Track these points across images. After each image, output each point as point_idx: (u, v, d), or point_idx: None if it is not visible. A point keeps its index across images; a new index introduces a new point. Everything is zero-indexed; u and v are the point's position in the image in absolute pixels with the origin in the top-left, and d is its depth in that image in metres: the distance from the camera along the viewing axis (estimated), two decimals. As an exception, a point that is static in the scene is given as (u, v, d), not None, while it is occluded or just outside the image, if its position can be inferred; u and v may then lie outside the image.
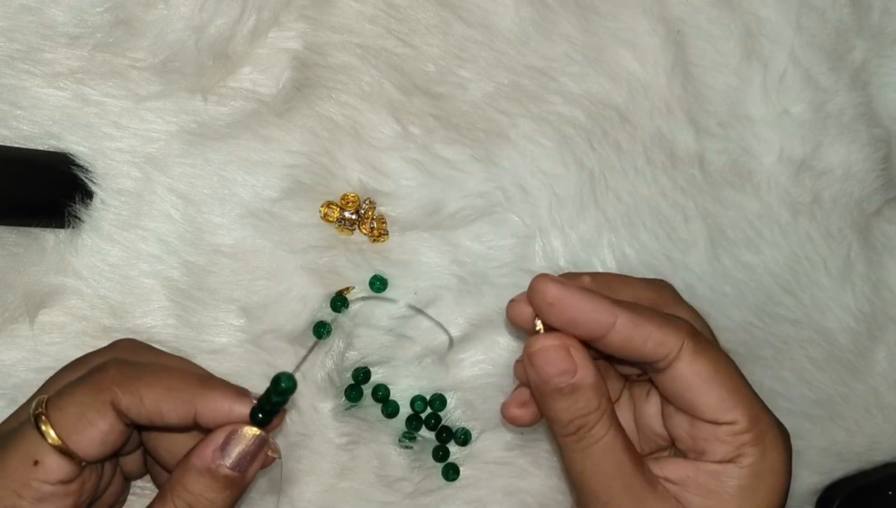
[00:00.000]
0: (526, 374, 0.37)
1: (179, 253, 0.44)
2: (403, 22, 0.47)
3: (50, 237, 0.43)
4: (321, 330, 0.46)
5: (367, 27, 0.47)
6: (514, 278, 0.48)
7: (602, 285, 0.39)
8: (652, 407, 0.40)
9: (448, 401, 0.48)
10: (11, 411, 0.42)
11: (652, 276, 0.49)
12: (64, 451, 0.34)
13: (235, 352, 0.45)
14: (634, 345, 0.36)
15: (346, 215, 0.46)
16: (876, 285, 0.53)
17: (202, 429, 0.36)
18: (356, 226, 0.47)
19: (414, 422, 0.47)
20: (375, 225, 0.47)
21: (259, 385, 0.44)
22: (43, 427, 0.34)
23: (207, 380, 0.37)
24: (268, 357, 0.45)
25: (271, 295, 0.45)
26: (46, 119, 0.43)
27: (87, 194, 0.43)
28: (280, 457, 0.36)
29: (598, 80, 0.49)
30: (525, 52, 0.48)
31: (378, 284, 0.46)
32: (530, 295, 0.36)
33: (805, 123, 0.52)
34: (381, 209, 0.47)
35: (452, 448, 0.48)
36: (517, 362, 0.41)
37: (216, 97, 0.45)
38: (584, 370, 0.36)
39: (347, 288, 0.46)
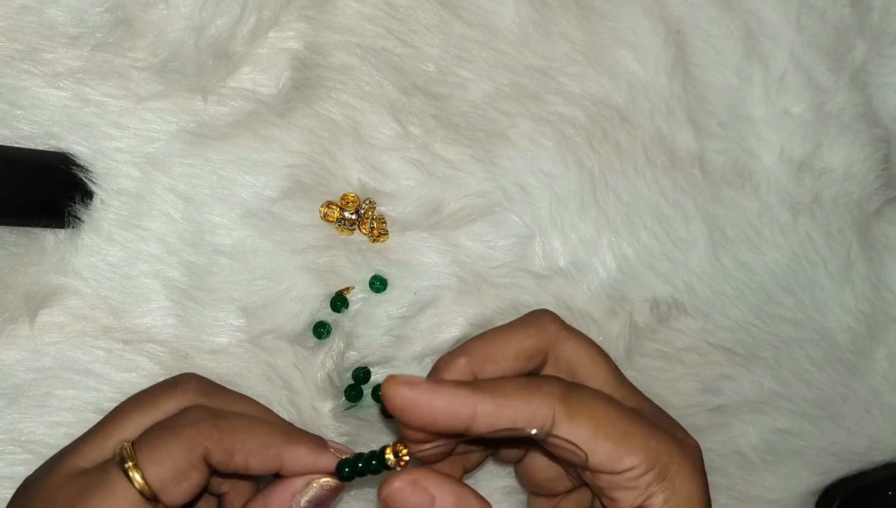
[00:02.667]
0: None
1: (179, 253, 0.44)
2: (403, 22, 0.47)
3: (50, 237, 0.43)
4: (321, 330, 0.46)
5: (368, 27, 0.46)
6: (514, 278, 0.48)
7: (478, 359, 0.37)
8: (539, 461, 0.40)
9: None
10: (11, 411, 0.43)
11: (652, 276, 0.49)
12: (153, 501, 0.35)
13: (235, 352, 0.45)
14: (504, 429, 0.34)
15: (346, 215, 0.46)
16: (876, 285, 0.53)
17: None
18: (356, 226, 0.47)
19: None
20: (375, 225, 0.47)
21: (259, 385, 0.45)
22: (135, 477, 0.34)
23: (292, 433, 0.38)
24: (268, 357, 0.45)
25: (271, 295, 0.45)
26: (46, 119, 0.43)
27: (87, 194, 0.43)
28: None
29: (599, 80, 0.49)
30: (525, 52, 0.48)
31: (378, 284, 0.46)
32: (386, 402, 0.35)
33: (805, 123, 0.52)
34: (381, 209, 0.47)
35: None
36: (382, 384, 0.37)
37: (216, 97, 0.45)
38: (442, 495, 0.35)
39: (347, 288, 0.46)
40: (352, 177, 0.46)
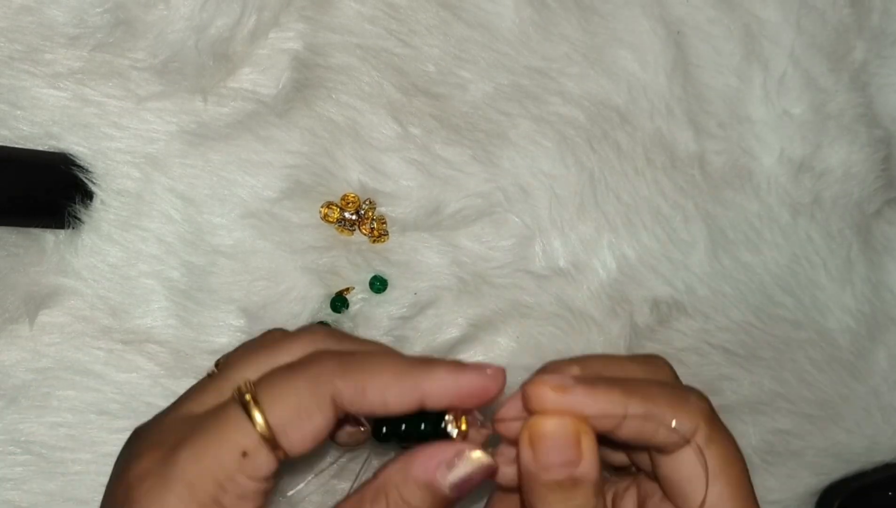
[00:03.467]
0: (518, 452, 0.33)
1: (179, 254, 0.44)
2: (403, 22, 0.47)
3: (50, 238, 0.43)
4: (321, 331, 0.46)
5: (368, 28, 0.46)
6: (514, 279, 0.48)
7: (590, 372, 0.34)
8: (628, 505, 0.37)
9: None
10: (11, 411, 0.43)
11: (652, 276, 0.49)
12: (272, 444, 0.31)
13: (235, 353, 0.45)
14: (646, 435, 0.32)
15: (346, 215, 0.46)
16: (876, 286, 0.53)
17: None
18: (356, 226, 0.47)
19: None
20: (375, 226, 0.47)
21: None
22: (256, 416, 0.31)
23: (426, 361, 0.33)
24: (268, 358, 0.45)
25: (271, 296, 0.45)
26: (46, 119, 0.43)
27: (87, 195, 0.43)
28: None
29: (598, 80, 0.49)
30: (525, 52, 0.48)
31: (378, 284, 0.46)
32: (526, 403, 0.32)
33: (805, 124, 0.52)
34: (381, 210, 0.47)
35: None
36: (526, 384, 0.33)
37: (216, 98, 0.45)
38: (589, 464, 0.31)
39: (347, 289, 0.46)
40: (352, 177, 0.46)
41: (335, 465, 0.46)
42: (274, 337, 0.36)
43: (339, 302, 0.46)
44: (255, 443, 0.31)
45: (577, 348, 0.48)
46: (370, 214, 0.46)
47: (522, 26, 0.48)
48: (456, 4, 0.47)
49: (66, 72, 0.43)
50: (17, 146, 0.43)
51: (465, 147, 0.47)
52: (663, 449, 0.34)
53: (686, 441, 0.33)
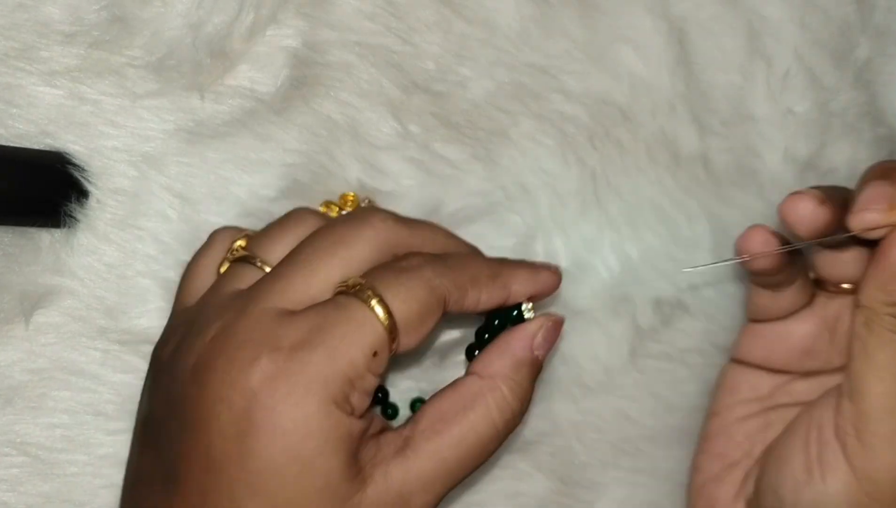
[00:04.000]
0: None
1: (176, 253, 0.44)
2: (403, 20, 0.47)
3: (45, 237, 0.43)
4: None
5: (367, 25, 0.46)
6: (515, 279, 0.48)
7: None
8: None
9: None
10: (6, 412, 0.42)
11: (655, 276, 0.49)
12: (391, 338, 0.34)
13: (233, 353, 0.45)
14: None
15: (345, 214, 0.46)
16: (880, 285, 0.52)
17: None
18: (355, 226, 0.46)
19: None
20: (375, 225, 0.46)
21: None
22: (377, 310, 0.34)
23: (508, 262, 0.39)
24: (266, 358, 0.45)
25: (269, 296, 0.45)
26: (42, 118, 0.43)
27: (83, 193, 0.43)
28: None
29: (600, 78, 0.49)
30: (526, 50, 0.48)
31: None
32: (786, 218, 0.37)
33: (809, 122, 0.52)
34: (381, 209, 0.47)
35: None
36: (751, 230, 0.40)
37: (213, 95, 0.44)
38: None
39: (346, 289, 0.46)
40: (350, 176, 0.46)
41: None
42: (340, 231, 0.38)
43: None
44: (384, 342, 0.34)
45: (579, 348, 0.48)
46: (369, 213, 0.46)
47: (523, 23, 0.48)
48: (456, 1, 0.47)
49: (62, 70, 0.43)
50: (11, 145, 0.42)
51: (465, 145, 0.47)
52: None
53: None
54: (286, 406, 0.32)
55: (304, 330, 0.33)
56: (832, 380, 0.41)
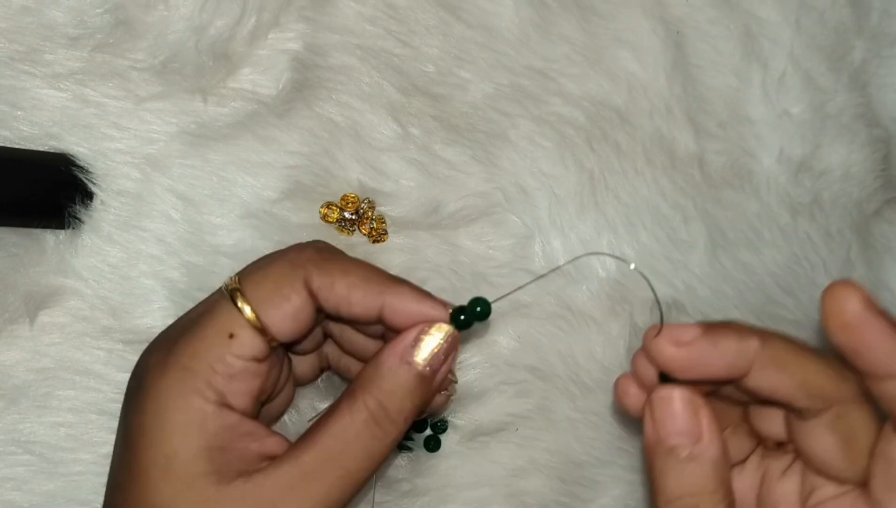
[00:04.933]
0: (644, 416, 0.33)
1: (179, 254, 0.44)
2: (403, 23, 0.47)
3: (50, 238, 0.43)
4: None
5: (367, 28, 0.46)
6: (514, 279, 0.48)
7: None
8: (789, 487, 0.35)
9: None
10: (11, 411, 0.43)
11: (652, 276, 0.49)
12: (258, 328, 0.34)
13: (235, 353, 0.45)
14: (779, 389, 0.32)
15: (346, 215, 0.46)
16: (876, 286, 0.53)
17: (385, 330, 0.37)
18: (356, 227, 0.47)
19: (416, 424, 0.47)
20: (375, 225, 0.47)
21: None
22: (239, 302, 0.34)
23: (397, 279, 0.37)
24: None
25: (271, 296, 0.45)
26: (46, 120, 0.43)
27: (87, 195, 0.43)
28: (457, 382, 0.37)
29: (598, 80, 0.49)
30: (525, 53, 0.48)
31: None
32: (652, 355, 0.32)
33: (804, 124, 0.52)
34: (381, 210, 0.47)
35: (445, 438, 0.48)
36: (637, 353, 0.34)
37: (216, 98, 0.45)
38: (710, 441, 0.31)
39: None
40: (351, 177, 0.46)
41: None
42: (280, 251, 0.38)
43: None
44: (241, 324, 0.34)
45: (578, 347, 0.48)
46: (370, 214, 0.46)
47: (522, 26, 0.48)
48: (456, 5, 0.47)
49: (66, 72, 0.43)
50: (17, 147, 0.43)
51: (464, 147, 0.47)
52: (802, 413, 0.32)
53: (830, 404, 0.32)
54: (155, 389, 0.34)
55: (186, 326, 0.36)
56: None
